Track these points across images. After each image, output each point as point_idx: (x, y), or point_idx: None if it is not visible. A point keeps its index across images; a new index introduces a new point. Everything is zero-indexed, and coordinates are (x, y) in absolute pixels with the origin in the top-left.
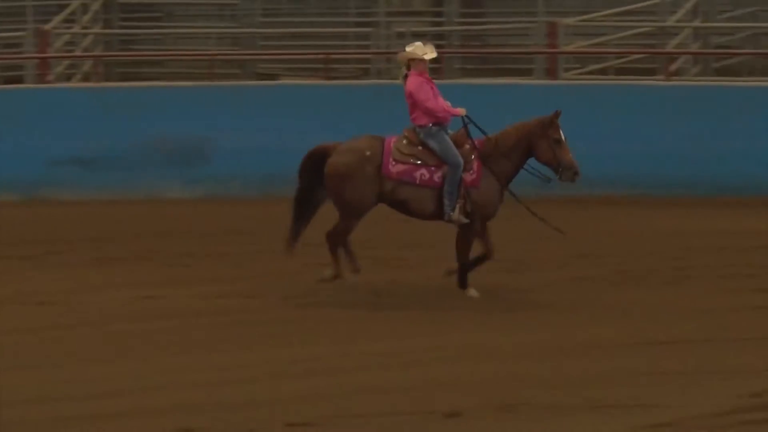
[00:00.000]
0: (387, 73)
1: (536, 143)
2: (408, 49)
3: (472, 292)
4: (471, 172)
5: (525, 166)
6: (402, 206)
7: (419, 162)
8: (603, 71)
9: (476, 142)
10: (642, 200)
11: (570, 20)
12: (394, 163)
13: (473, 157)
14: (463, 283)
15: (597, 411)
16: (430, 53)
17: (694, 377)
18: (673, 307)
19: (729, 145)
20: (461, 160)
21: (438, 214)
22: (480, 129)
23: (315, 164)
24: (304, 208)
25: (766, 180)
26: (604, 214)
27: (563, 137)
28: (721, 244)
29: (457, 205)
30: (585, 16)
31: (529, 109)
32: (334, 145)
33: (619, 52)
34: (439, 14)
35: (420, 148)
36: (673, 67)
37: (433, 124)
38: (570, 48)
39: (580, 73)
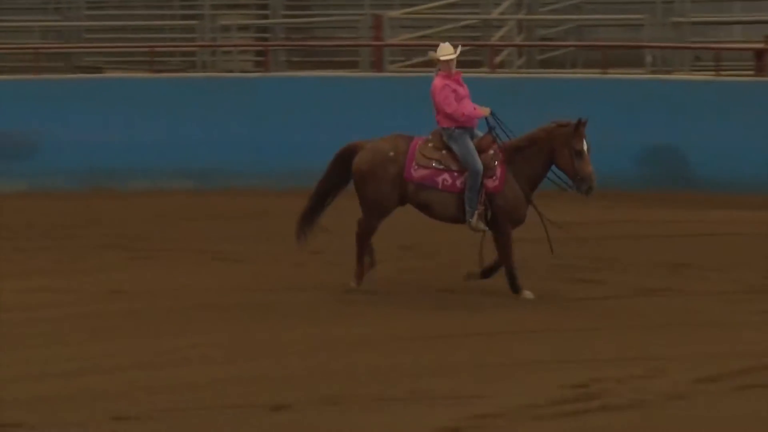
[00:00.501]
0: (212, 66)
1: (557, 151)
2: (437, 50)
3: (527, 294)
4: (494, 178)
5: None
6: (425, 209)
7: (442, 167)
8: (428, 64)
9: (500, 148)
10: None
11: (395, 13)
12: (416, 167)
13: (496, 163)
14: (515, 288)
15: (422, 402)
16: (447, 54)
17: (517, 368)
18: (499, 299)
19: None
20: (481, 167)
21: (461, 218)
22: (504, 129)
23: (345, 161)
24: (321, 199)
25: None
26: None
27: (585, 149)
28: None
29: (476, 212)
30: (410, 9)
31: (354, 101)
32: (364, 143)
33: None
34: (264, 6)
35: (444, 152)
36: (498, 59)
37: (457, 128)
38: (395, 41)
39: (405, 66)
